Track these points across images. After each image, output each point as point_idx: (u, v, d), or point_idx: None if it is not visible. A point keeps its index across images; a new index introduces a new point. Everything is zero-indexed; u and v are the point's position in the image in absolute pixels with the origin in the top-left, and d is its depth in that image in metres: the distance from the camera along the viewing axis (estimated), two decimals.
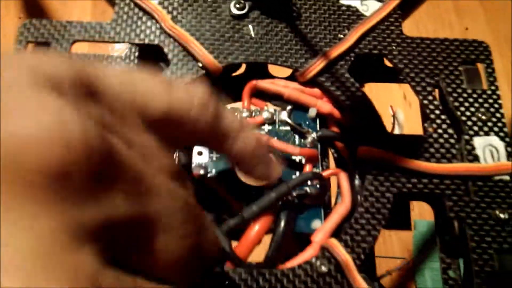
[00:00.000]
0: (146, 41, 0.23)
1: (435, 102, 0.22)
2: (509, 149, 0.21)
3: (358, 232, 0.20)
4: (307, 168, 0.22)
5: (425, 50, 0.23)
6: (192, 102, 0.13)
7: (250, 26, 0.24)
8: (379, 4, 0.24)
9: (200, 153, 0.22)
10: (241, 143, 0.15)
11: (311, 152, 0.21)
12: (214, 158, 0.22)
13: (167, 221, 0.10)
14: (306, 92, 0.23)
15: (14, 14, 0.80)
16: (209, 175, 0.22)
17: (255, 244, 0.20)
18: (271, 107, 0.24)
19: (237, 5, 0.24)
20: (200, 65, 0.22)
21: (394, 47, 0.23)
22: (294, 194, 0.21)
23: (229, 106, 0.24)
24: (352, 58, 0.23)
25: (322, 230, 0.20)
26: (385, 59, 0.24)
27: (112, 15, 0.24)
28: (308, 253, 0.20)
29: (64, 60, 0.10)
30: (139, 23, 0.23)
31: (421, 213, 0.68)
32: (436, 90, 0.23)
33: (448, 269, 0.22)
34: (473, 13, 0.91)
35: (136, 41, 0.23)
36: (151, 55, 0.25)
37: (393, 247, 0.64)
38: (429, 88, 0.23)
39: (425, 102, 0.22)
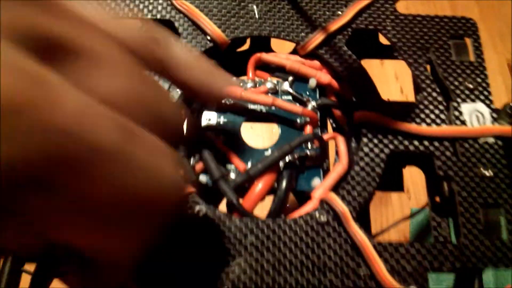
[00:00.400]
0: (158, 16, 0.25)
1: (426, 73, 0.24)
2: (494, 115, 0.23)
3: (354, 187, 0.21)
4: (308, 130, 0.23)
5: (417, 26, 0.25)
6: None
7: (255, 7, 0.26)
8: None
9: (208, 119, 0.24)
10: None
11: (312, 114, 0.23)
12: (222, 122, 0.24)
13: (102, 56, 0.10)
14: (306, 64, 0.25)
15: None
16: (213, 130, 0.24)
17: (259, 199, 0.22)
18: (274, 79, 0.25)
19: None
20: (209, 38, 0.24)
21: (388, 23, 0.25)
22: (296, 156, 0.23)
23: (234, 78, 0.25)
24: (350, 33, 0.25)
25: (321, 186, 0.22)
26: (380, 35, 0.26)
27: None
28: (309, 207, 0.21)
29: None
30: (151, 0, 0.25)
31: (419, 204, 0.70)
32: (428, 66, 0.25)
33: (438, 227, 0.24)
34: (469, 12, 0.93)
35: (149, 16, 0.25)
36: None
37: (389, 235, 0.66)
38: (420, 61, 0.24)
39: (417, 73, 0.24)
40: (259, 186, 0.22)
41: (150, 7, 0.25)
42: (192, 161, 0.23)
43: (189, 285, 0.19)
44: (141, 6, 0.25)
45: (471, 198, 0.22)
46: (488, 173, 0.22)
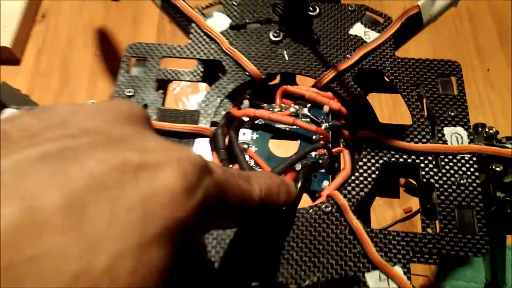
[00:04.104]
0: (211, 57, 0.33)
1: (417, 103, 0.31)
2: (471, 137, 0.29)
3: (354, 188, 0.28)
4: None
5: (411, 67, 0.32)
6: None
7: (285, 52, 0.34)
8: (377, 34, 0.33)
9: (244, 134, 0.31)
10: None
11: (324, 131, 0.30)
12: (254, 138, 0.31)
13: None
14: (321, 94, 0.32)
15: (91, 52, 0.96)
16: (250, 148, 0.31)
17: None
18: (296, 106, 0.33)
19: (275, 34, 0.33)
20: (248, 74, 0.32)
21: (388, 64, 0.32)
22: (310, 162, 0.29)
23: (265, 104, 0.33)
24: (356, 71, 0.32)
25: (329, 187, 0.28)
26: (385, 75, 0.33)
27: (188, 40, 0.34)
28: (318, 202, 0.28)
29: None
30: (206, 46, 0.34)
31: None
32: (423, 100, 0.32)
33: (427, 227, 0.29)
34: (495, 57, 0.97)
35: (204, 57, 0.33)
36: (212, 68, 0.35)
37: (415, 265, 0.69)
38: (413, 94, 0.31)
39: (409, 103, 0.31)
40: None
41: (205, 51, 0.33)
42: (230, 165, 0.30)
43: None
44: (198, 50, 0.34)
45: (448, 200, 0.27)
46: (463, 181, 0.27)
